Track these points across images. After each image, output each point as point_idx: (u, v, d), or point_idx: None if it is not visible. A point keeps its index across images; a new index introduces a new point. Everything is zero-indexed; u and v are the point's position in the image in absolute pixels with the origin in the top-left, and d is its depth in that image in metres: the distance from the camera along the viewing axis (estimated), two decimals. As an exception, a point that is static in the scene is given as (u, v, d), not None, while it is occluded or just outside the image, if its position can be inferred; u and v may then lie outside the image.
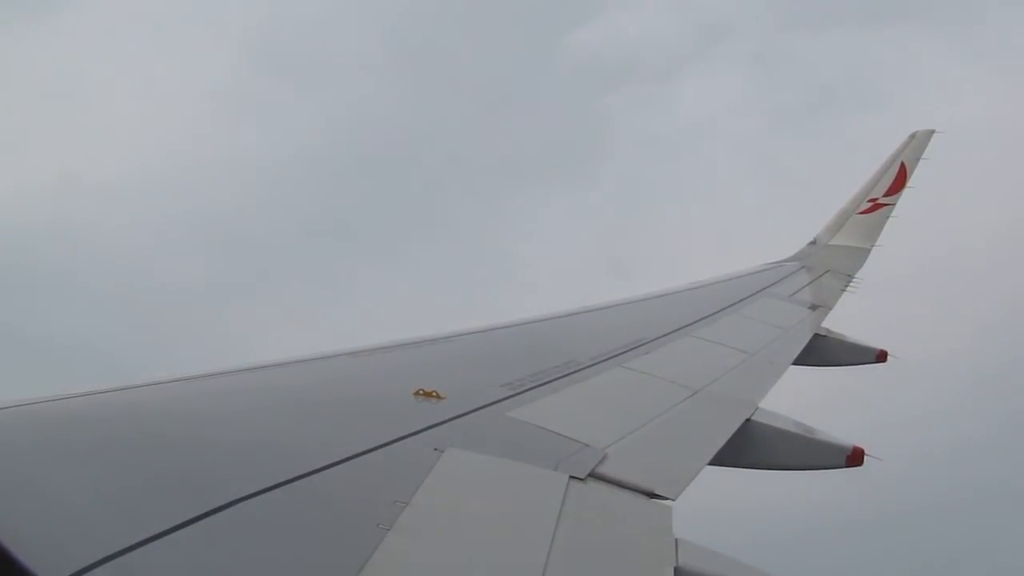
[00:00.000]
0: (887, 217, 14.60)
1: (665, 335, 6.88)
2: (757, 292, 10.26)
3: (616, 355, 5.84)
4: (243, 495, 2.64)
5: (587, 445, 3.95)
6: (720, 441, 4.66)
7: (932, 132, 14.89)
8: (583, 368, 5.33)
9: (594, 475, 3.61)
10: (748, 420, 5.21)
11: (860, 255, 14.06)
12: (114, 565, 2.11)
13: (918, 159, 14.69)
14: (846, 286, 12.39)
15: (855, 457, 5.42)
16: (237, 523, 2.51)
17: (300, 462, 3.01)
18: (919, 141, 14.89)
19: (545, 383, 4.79)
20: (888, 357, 9.64)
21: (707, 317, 8.03)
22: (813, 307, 10.48)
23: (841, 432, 5.65)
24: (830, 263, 13.54)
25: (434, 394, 4.11)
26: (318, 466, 3.01)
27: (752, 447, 5.14)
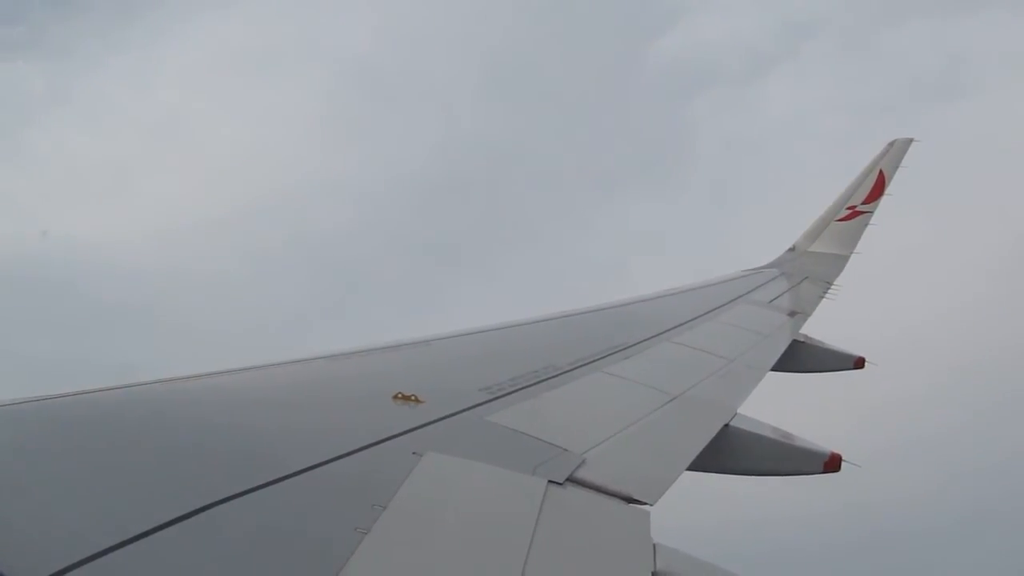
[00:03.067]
0: (865, 224, 14.72)
1: (645, 340, 6.89)
2: (736, 298, 10.30)
3: (596, 360, 5.85)
4: (221, 498, 2.63)
5: (566, 450, 3.95)
6: (698, 446, 4.66)
7: (911, 140, 15.04)
8: (563, 373, 5.33)
9: (572, 480, 3.61)
10: (726, 426, 5.22)
11: (839, 262, 14.16)
12: (90, 568, 2.09)
13: (896, 167, 14.82)
14: (824, 293, 12.47)
15: (833, 463, 5.45)
16: (214, 526, 2.49)
17: (278, 465, 2.99)
18: (898, 149, 15.03)
19: (524, 387, 4.79)
20: (866, 364, 9.71)
21: (687, 323, 8.06)
22: (792, 313, 10.54)
23: (819, 438, 5.67)
24: (809, 270, 13.62)
25: (413, 398, 4.10)
26: (296, 469, 3.00)
27: (730, 453, 5.16)
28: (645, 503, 3.61)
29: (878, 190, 14.80)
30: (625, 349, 6.41)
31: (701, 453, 4.61)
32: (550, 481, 3.49)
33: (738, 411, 5.57)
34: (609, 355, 6.08)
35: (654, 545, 3.16)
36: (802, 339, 9.45)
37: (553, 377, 5.18)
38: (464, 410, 4.19)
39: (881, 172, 14.83)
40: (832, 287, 12.93)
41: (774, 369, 7.62)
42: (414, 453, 3.41)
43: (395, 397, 4.10)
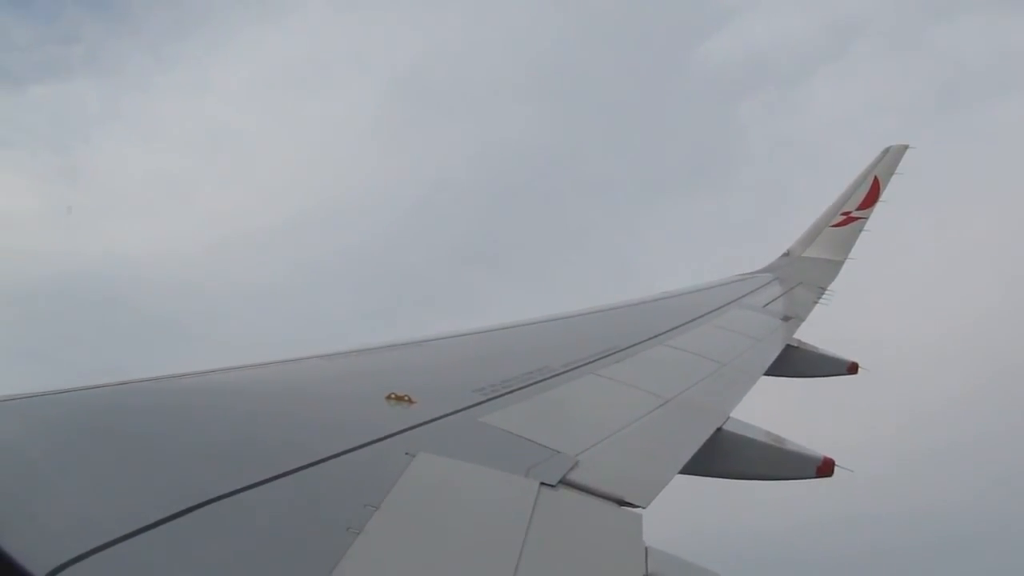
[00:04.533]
0: (860, 231, 14.74)
1: (638, 343, 6.89)
2: (730, 302, 10.31)
3: (589, 362, 5.85)
4: (213, 496, 2.62)
5: (558, 452, 3.94)
6: (691, 450, 4.66)
7: (906, 147, 15.07)
8: (556, 375, 5.33)
9: (565, 482, 3.61)
10: (719, 429, 5.22)
11: (833, 267, 14.18)
12: (77, 568, 2.08)
13: (891, 174, 14.85)
14: (818, 298, 12.48)
15: (825, 468, 5.46)
16: (206, 525, 2.48)
17: (270, 464, 2.99)
18: (893, 156, 15.05)
19: (517, 389, 4.78)
20: (859, 369, 9.73)
21: (680, 326, 8.06)
22: (785, 318, 10.55)
23: (812, 443, 5.69)
24: (803, 275, 13.64)
25: (406, 398, 4.09)
26: (288, 468, 2.99)
27: (723, 456, 5.16)
28: (637, 506, 3.60)
29: (873, 196, 14.83)
30: (619, 352, 6.41)
31: (694, 456, 4.61)
32: (543, 483, 3.49)
33: (731, 415, 5.57)
34: (603, 357, 6.08)
35: (646, 548, 3.15)
36: (795, 344, 9.46)
37: (547, 379, 5.17)
38: (457, 411, 4.18)
39: (876, 179, 14.86)
40: (826, 292, 12.94)
41: (767, 373, 7.63)
42: (407, 454, 3.40)
43: (388, 397, 4.09)
